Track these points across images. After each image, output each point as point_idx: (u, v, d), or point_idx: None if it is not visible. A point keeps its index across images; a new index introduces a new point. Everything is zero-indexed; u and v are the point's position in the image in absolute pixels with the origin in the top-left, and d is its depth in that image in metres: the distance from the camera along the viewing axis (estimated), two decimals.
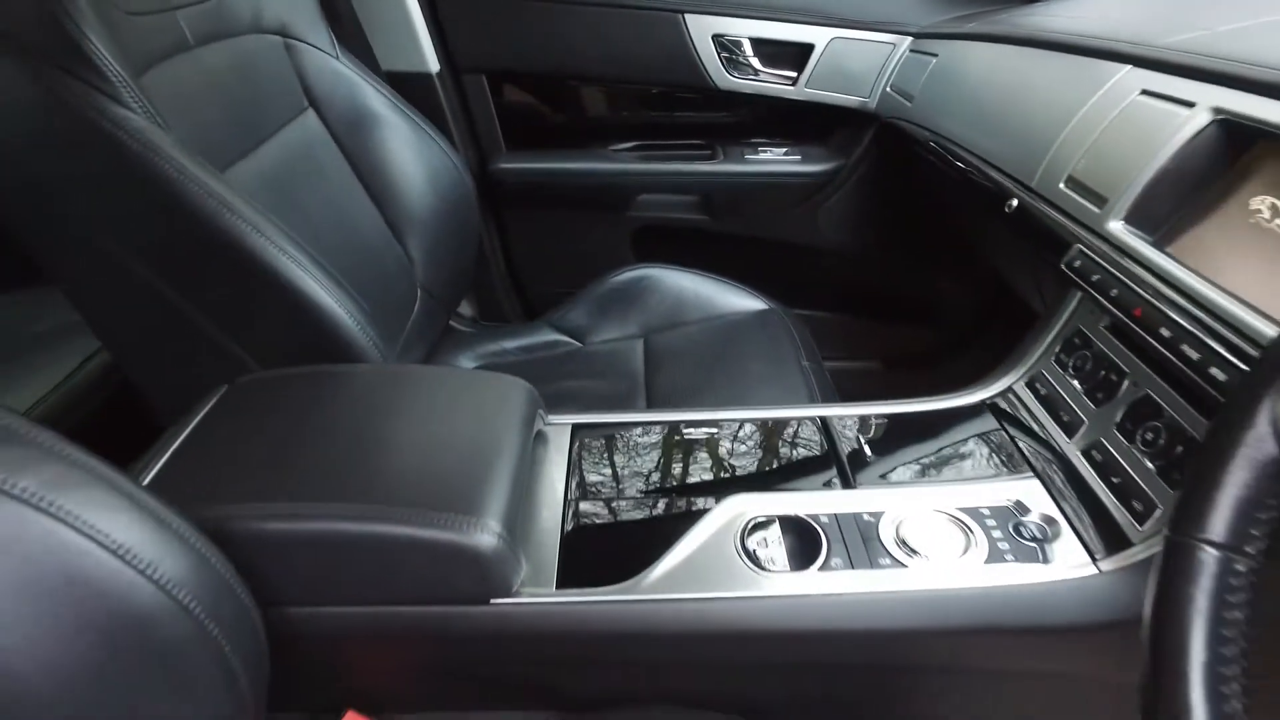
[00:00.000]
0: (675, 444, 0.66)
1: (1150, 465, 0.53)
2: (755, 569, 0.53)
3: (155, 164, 0.61)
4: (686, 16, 1.21)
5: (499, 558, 0.49)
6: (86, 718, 0.37)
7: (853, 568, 0.53)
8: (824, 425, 0.68)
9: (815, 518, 0.56)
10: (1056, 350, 0.68)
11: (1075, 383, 0.64)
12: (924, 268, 1.39)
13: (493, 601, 0.52)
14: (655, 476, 0.63)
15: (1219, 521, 0.30)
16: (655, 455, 0.65)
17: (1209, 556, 0.30)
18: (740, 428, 0.68)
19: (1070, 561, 0.52)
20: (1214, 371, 0.49)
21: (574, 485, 0.62)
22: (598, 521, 0.59)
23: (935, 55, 1.09)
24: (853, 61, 1.22)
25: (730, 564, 0.53)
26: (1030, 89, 0.85)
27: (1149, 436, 0.54)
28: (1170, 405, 0.54)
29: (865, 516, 0.56)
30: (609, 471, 0.64)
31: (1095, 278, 0.62)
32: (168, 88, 0.67)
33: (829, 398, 0.93)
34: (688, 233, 1.40)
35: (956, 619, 0.51)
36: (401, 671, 0.60)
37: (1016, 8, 1.13)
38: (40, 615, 0.35)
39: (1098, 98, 0.71)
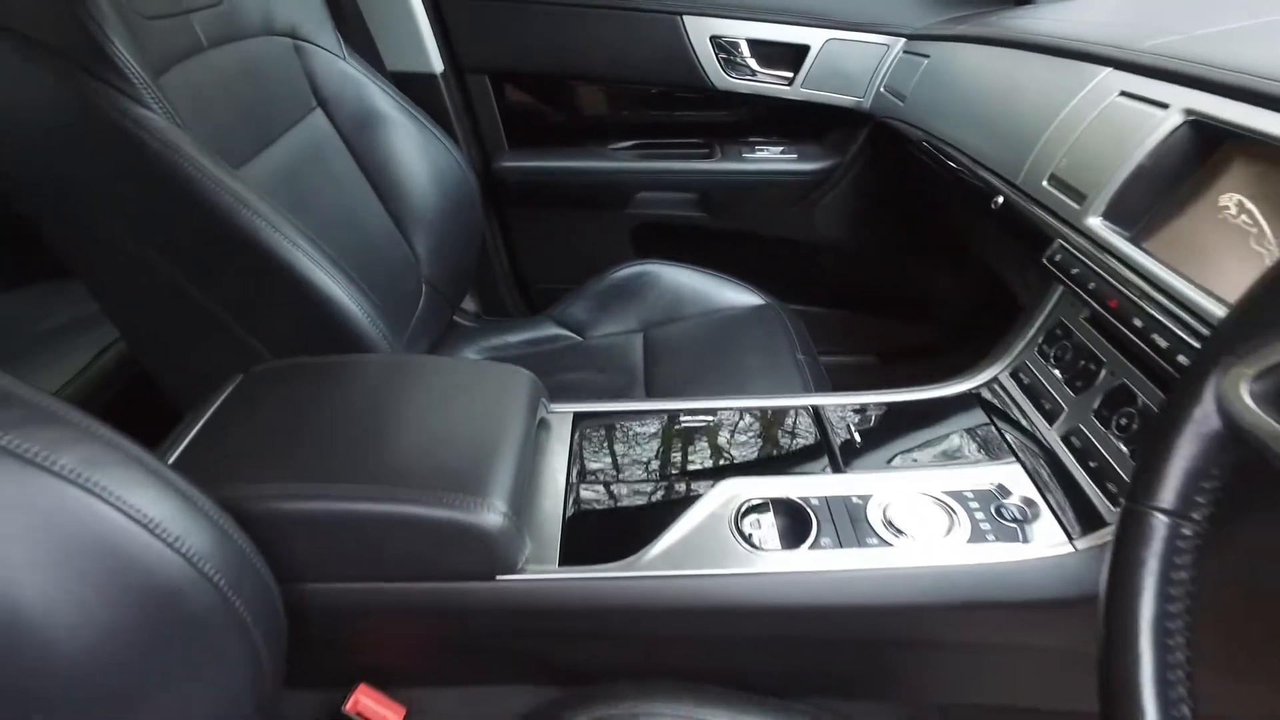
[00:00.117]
0: (673, 432, 0.69)
1: (1124, 449, 0.56)
2: (749, 548, 0.55)
3: (175, 162, 0.63)
4: (685, 18, 1.23)
5: (505, 536, 0.52)
6: (126, 689, 0.39)
7: (841, 547, 0.55)
8: (816, 414, 0.70)
9: (806, 500, 0.58)
10: (1039, 341, 0.70)
11: (1056, 372, 0.66)
12: (918, 264, 1.41)
13: (499, 578, 0.54)
14: (654, 462, 0.65)
15: (1169, 490, 0.33)
16: (654, 442, 0.68)
17: (1159, 522, 0.33)
18: (736, 416, 0.70)
19: (1048, 541, 0.54)
20: (1181, 359, 0.51)
21: (575, 470, 0.65)
22: (598, 504, 0.61)
23: (927, 56, 1.11)
24: (848, 62, 1.24)
25: (725, 543, 0.56)
26: (1017, 90, 0.88)
27: (1123, 422, 0.57)
28: (1143, 392, 0.57)
29: (854, 499, 0.58)
30: (609, 458, 0.66)
31: (1075, 271, 0.65)
32: (184, 88, 0.70)
33: (822, 389, 0.96)
34: (686, 230, 1.42)
35: (940, 594, 0.54)
36: (411, 646, 0.63)
37: (1006, 10, 1.16)
38: (84, 586, 0.36)
39: (1079, 99, 0.74)
